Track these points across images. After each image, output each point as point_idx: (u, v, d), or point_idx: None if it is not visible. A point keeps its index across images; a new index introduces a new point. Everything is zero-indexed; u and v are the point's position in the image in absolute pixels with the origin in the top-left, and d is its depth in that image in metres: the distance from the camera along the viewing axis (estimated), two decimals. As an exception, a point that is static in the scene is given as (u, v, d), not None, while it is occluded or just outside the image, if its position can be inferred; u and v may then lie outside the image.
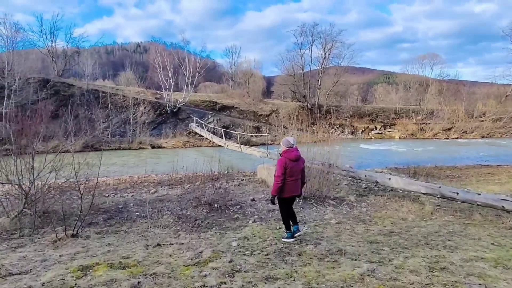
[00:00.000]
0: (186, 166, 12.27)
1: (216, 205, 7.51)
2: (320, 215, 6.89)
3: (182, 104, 31.79)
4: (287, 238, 4.90)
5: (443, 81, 46.04)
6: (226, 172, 14.60)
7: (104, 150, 24.69)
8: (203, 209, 7.42)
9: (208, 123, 29.49)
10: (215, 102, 35.93)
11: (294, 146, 4.73)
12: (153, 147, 26.30)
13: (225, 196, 8.37)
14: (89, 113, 27.49)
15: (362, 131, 37.39)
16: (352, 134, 36.92)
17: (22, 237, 5.50)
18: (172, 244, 4.88)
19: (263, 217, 6.79)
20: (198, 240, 5.12)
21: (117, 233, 5.80)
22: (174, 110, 31.17)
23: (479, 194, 6.34)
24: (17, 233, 5.68)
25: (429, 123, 37.85)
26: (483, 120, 37.23)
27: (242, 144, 18.73)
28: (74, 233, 5.41)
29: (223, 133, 21.73)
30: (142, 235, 5.53)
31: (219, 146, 22.33)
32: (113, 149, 25.20)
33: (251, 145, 21.18)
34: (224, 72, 58.98)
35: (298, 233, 4.91)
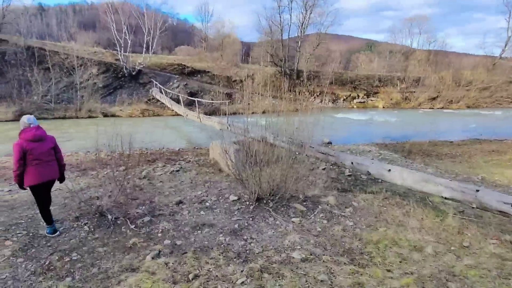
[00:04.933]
0: (130, 140, 9.11)
1: (110, 216, 4.56)
2: (278, 237, 4.11)
3: (142, 67, 27.65)
4: (49, 232, 4.20)
5: (430, 51, 43.33)
6: (177, 149, 11.60)
7: (45, 119, 21.01)
8: (85, 223, 4.45)
9: (172, 89, 25.79)
10: (185, 65, 31.82)
11: (32, 125, 4.01)
12: (105, 116, 22.58)
13: (138, 195, 5.42)
14: (27, 74, 23.00)
15: (344, 99, 34.72)
16: (333, 102, 34.21)
17: None
18: None
19: (178, 242, 3.92)
20: None
21: None
22: (133, 73, 27.04)
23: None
24: None
25: (414, 92, 35.57)
26: (469, 90, 35.26)
27: (209, 114, 15.53)
28: None
29: (181, 99, 18.26)
30: None
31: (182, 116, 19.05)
32: (56, 117, 21.37)
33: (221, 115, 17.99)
34: (195, 32, 53.66)
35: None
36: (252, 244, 3.89)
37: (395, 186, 5.67)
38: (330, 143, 12.85)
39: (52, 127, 17.24)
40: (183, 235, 4.16)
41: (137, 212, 4.75)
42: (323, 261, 3.45)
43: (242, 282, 3.03)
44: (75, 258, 3.59)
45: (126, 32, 27.14)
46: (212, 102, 21.47)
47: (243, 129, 6.32)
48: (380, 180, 6.47)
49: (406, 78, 37.28)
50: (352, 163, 5.97)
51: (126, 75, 26.78)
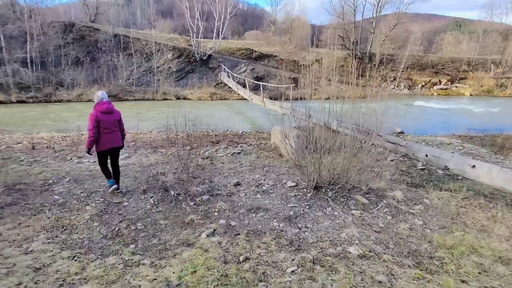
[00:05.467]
0: (197, 122, 9.62)
1: (173, 192, 4.83)
2: (334, 228, 3.87)
3: (213, 52, 28.63)
4: (110, 184, 4.97)
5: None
6: (240, 132, 11.83)
7: (127, 100, 23.37)
8: (151, 196, 4.79)
9: (239, 73, 26.28)
10: (252, 50, 32.12)
11: (104, 100, 4.71)
12: (178, 98, 24.15)
13: (199, 174, 5.64)
14: (114, 60, 25.66)
15: (422, 85, 31.38)
16: (409, 89, 31.21)
17: None
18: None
19: (232, 223, 3.97)
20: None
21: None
22: (204, 58, 28.20)
23: None
24: None
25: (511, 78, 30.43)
26: None
27: (274, 99, 15.51)
28: None
29: (247, 83, 18.46)
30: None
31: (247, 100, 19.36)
32: (136, 99, 23.56)
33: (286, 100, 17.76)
34: (265, 17, 53.36)
35: (115, 186, 4.95)
36: (306, 233, 3.73)
37: (480, 185, 4.90)
38: (402, 132, 11.75)
39: (133, 108, 19.10)
40: (237, 216, 4.19)
41: (197, 190, 4.94)
42: (384, 260, 3.14)
43: (292, 271, 2.92)
44: (139, 227, 3.89)
45: (199, 18, 28.26)
46: (277, 87, 21.29)
47: (305, 114, 6.08)
48: (460, 177, 5.67)
49: (503, 61, 31.98)
50: (426, 155, 5.31)
51: (197, 60, 28.07)
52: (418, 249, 3.41)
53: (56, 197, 4.80)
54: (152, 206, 4.50)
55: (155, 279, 2.75)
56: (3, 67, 20.76)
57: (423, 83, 31.51)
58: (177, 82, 26.08)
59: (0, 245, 3.38)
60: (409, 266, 3.06)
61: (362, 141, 5.61)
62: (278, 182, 5.50)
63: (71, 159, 7.18)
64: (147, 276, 2.80)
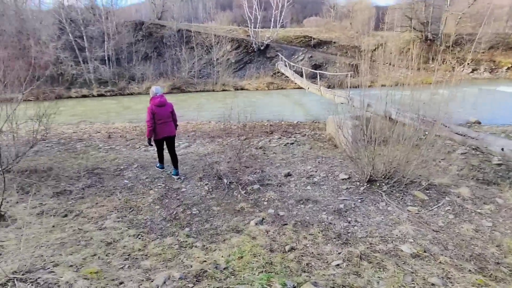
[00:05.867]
0: (253, 112, 9.91)
1: (226, 180, 5.07)
2: (387, 224, 3.70)
3: (270, 41, 28.62)
4: (158, 167, 5.86)
5: None
6: (295, 122, 11.76)
7: (189, 92, 24.75)
8: (206, 184, 5.10)
9: (296, 62, 25.91)
10: (311, 37, 31.31)
11: (158, 94, 5.31)
12: (236, 89, 24.81)
13: (252, 164, 5.82)
14: (178, 54, 27.26)
15: (508, 68, 27.33)
16: (490, 72, 27.45)
17: None
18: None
19: (281, 213, 4.04)
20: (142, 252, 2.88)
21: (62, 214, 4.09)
22: (262, 48, 28.36)
23: None
24: None
25: None
26: None
27: (332, 87, 15.08)
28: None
29: (304, 72, 18.07)
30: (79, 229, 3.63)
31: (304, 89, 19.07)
32: (198, 91, 24.79)
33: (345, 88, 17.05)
34: (324, 1, 51.28)
35: (177, 177, 5.50)
36: (355, 227, 3.64)
37: None
38: (478, 122, 10.49)
39: (194, 99, 20.20)
40: (286, 207, 4.25)
41: (248, 179, 5.12)
42: (440, 262, 2.93)
43: (338, 265, 2.90)
44: (194, 212, 4.19)
45: (257, 8, 28.39)
46: (335, 75, 20.53)
47: (363, 103, 5.81)
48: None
49: None
50: (502, 149, 4.71)
51: (255, 50, 28.36)
52: (483, 253, 3.09)
53: (125, 181, 5.39)
54: (207, 193, 4.80)
55: (205, 261, 2.96)
56: (86, 65, 23.54)
57: (509, 65, 27.44)
58: (235, 73, 26.74)
59: (82, 221, 3.94)
60: (469, 271, 2.81)
61: (425, 132, 5.18)
62: (330, 174, 5.40)
63: (139, 147, 7.94)
64: (198, 257, 3.04)
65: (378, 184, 4.66)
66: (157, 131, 5.29)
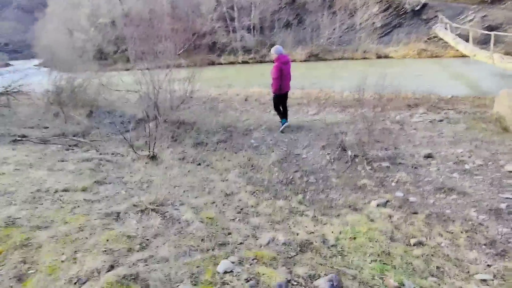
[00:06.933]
0: (396, 82, 8.78)
1: (351, 153, 4.61)
2: None
3: (429, -1, 24.04)
4: (283, 123, 6.11)
5: None
6: (449, 96, 9.67)
7: (326, 60, 23.94)
8: (328, 153, 4.78)
9: (463, 24, 20.99)
10: (488, -10, 24.61)
11: (282, 53, 5.70)
12: (378, 57, 22.37)
13: (384, 139, 5.12)
14: (318, 20, 26.40)
15: None
16: None
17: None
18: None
19: (412, 199, 3.38)
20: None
21: (199, 163, 4.66)
22: (417, 9, 24.19)
23: None
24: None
25: None
26: None
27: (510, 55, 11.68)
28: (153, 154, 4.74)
29: (470, 34, 14.35)
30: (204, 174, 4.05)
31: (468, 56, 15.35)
32: (336, 58, 23.67)
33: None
34: None
35: (286, 123, 6.10)
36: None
37: None
38: None
39: (330, 67, 19.42)
40: (420, 193, 3.53)
41: (377, 155, 4.51)
42: None
43: (484, 280, 2.19)
44: (311, 180, 4.01)
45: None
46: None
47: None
48: None
49: None
50: None
51: (408, 11, 24.46)
52: None
53: (252, 141, 5.67)
54: (328, 163, 4.51)
55: (313, 232, 2.77)
56: (234, 34, 25.77)
57: None
58: (380, 38, 24.00)
59: (210, 171, 4.37)
60: None
61: None
62: (491, 163, 4.16)
63: (269, 111, 8.20)
64: (306, 227, 2.87)
65: None
66: (282, 86, 5.75)
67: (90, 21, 30.97)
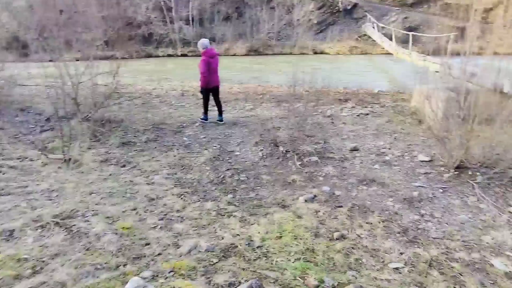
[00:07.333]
0: (329, 78, 9.06)
1: (282, 148, 4.64)
2: (475, 226, 2.86)
3: (359, -1, 25.69)
4: (203, 119, 6.20)
5: None
6: (376, 91, 10.42)
7: (266, 54, 24.21)
8: (261, 150, 4.75)
9: (387, 24, 22.85)
10: (409, -6, 27.12)
11: (209, 47, 5.79)
12: (315, 53, 23.32)
13: (316, 133, 5.25)
14: (258, 14, 26.50)
15: None
16: None
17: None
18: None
19: (337, 193, 3.49)
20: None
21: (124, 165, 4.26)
22: (348, 8, 25.70)
23: None
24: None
25: None
26: None
27: (431, 53, 12.86)
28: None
29: (393, 34, 15.72)
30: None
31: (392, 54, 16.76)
32: (275, 53, 24.07)
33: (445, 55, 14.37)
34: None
35: (222, 122, 6.15)
36: (429, 224, 2.91)
37: None
38: None
39: (269, 62, 19.67)
40: (345, 186, 3.67)
41: (307, 150, 4.60)
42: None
43: (397, 268, 2.31)
44: (242, 178, 3.92)
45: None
46: (433, 36, 17.50)
47: (465, 72, 4.62)
48: None
49: None
50: None
51: (340, 10, 25.86)
52: None
53: (184, 139, 5.40)
54: (260, 159, 4.47)
55: (239, 234, 2.67)
56: (172, 25, 24.64)
57: None
58: (316, 35, 25.01)
59: (135, 173, 4.02)
60: None
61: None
62: (406, 154, 4.52)
63: (205, 106, 7.95)
64: (233, 229, 2.76)
65: (470, 173, 3.68)
66: (210, 81, 5.76)
67: (2, 4, 26.99)
